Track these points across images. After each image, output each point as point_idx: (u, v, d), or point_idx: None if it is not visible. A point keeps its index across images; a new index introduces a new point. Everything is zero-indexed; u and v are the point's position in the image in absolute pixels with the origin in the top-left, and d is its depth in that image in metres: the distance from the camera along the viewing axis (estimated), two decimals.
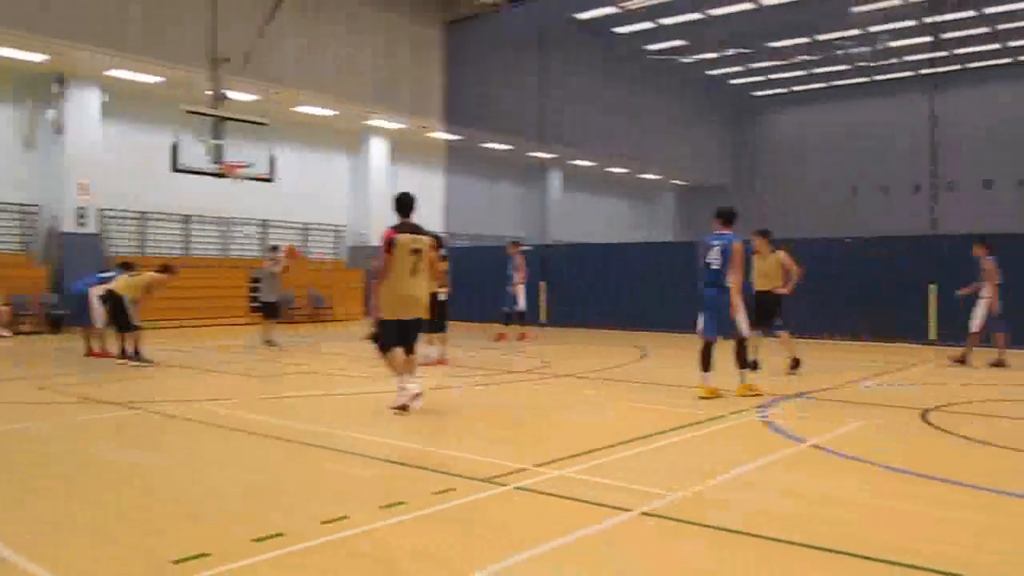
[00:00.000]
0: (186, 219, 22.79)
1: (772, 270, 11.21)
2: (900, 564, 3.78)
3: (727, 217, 9.09)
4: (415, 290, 8.03)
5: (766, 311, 10.94)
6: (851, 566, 3.80)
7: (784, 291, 11.16)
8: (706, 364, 8.86)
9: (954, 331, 15.78)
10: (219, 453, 6.40)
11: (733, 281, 8.79)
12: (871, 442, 6.76)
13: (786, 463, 5.93)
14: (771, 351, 11.34)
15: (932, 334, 15.66)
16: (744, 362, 9.02)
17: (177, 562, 3.79)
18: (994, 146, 27.67)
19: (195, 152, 15.46)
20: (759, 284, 11.16)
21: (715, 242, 8.92)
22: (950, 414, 8.11)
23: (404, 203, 8.21)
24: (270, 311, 15.63)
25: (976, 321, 12.17)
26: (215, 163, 15.57)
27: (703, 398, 8.68)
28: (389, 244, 7.90)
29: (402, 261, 7.94)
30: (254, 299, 18.91)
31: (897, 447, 6.62)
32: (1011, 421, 7.82)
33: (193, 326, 20.31)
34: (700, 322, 9.02)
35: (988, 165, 27.84)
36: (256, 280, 18.14)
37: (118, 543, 4.14)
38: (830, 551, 3.96)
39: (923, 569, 3.73)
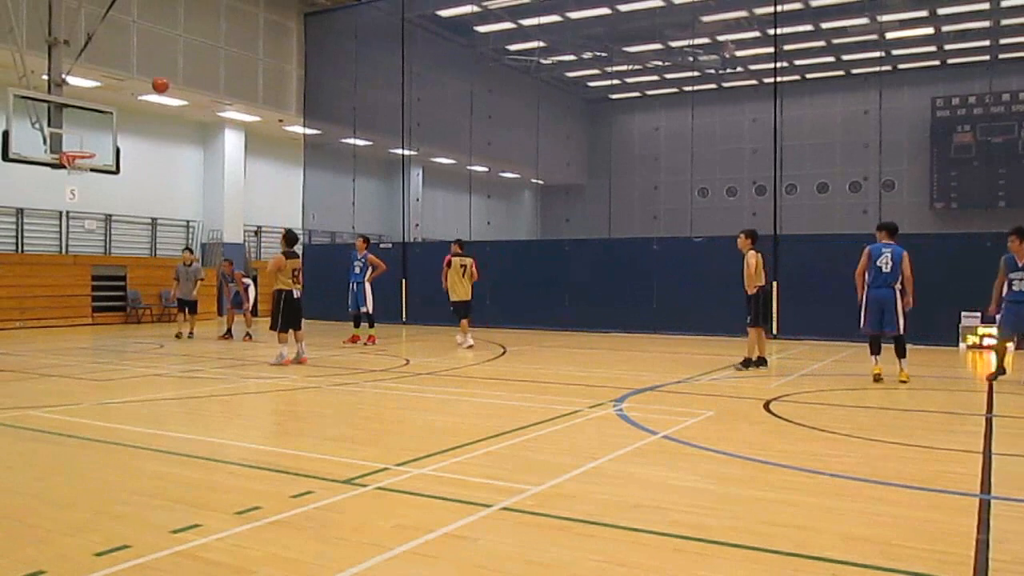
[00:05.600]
0: (19, 212, 21.26)
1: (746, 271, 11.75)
2: (746, 547, 4.01)
3: (891, 230, 10.73)
4: None
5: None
6: (700, 550, 3.98)
7: (750, 292, 11.71)
8: (877, 350, 10.62)
9: (791, 325, 16.86)
10: (54, 462, 5.98)
11: (899, 284, 10.48)
12: (717, 431, 7.11)
13: (639, 454, 6.15)
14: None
15: (774, 329, 16.55)
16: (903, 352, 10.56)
17: None
18: (828, 152, 29.66)
19: (31, 140, 14.44)
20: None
21: (885, 250, 10.53)
22: (788, 403, 8.65)
23: None
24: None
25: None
26: (53, 153, 14.61)
27: (876, 378, 10.42)
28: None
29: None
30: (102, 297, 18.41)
31: (740, 435, 6.99)
32: (841, 408, 8.40)
33: (34, 327, 19.03)
34: (864, 318, 10.54)
35: (823, 170, 29.81)
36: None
37: None
38: (682, 537, 4.14)
39: (766, 551, 3.95)
